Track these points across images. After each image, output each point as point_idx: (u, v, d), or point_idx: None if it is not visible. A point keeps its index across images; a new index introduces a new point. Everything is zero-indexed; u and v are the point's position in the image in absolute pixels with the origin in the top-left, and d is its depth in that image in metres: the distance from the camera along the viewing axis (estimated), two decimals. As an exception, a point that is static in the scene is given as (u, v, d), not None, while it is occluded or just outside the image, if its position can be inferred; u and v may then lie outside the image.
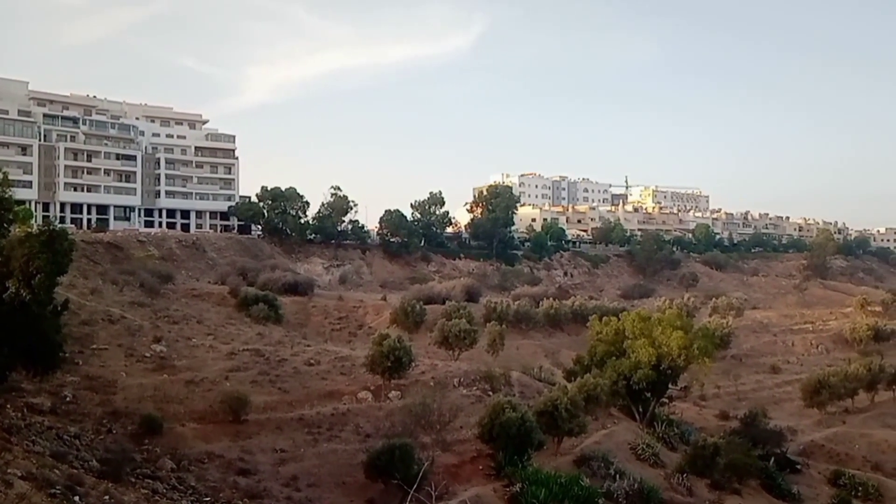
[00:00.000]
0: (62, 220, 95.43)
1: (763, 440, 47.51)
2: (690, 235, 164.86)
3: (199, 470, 26.67)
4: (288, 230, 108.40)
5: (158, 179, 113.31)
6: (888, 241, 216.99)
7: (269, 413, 34.00)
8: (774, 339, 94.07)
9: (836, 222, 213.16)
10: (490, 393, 39.51)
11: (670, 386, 48.04)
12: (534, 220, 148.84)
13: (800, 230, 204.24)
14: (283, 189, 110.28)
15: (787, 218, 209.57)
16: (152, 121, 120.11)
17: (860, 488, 43.35)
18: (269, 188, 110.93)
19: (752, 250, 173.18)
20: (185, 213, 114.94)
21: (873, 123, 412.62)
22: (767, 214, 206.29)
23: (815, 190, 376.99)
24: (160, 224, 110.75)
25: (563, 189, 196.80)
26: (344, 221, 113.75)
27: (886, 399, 68.14)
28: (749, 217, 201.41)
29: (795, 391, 67.71)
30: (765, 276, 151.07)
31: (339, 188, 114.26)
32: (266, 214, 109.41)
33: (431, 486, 26.17)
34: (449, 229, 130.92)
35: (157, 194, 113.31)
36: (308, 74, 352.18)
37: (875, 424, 61.48)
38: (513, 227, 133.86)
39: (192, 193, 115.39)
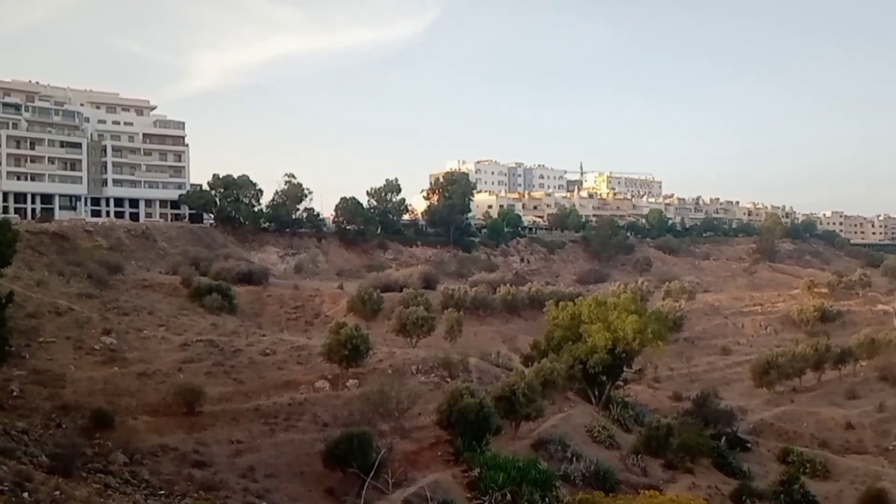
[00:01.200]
0: (5, 210, 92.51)
1: (714, 420, 48.70)
2: (644, 221, 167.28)
3: (153, 463, 26.19)
4: (241, 218, 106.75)
5: (105, 167, 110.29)
6: (834, 224, 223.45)
7: (225, 404, 33.56)
8: (725, 322, 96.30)
9: (784, 206, 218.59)
10: (448, 379, 39.63)
11: (625, 369, 48.79)
12: (490, 206, 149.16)
13: (749, 215, 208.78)
14: (235, 177, 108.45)
15: (737, 203, 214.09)
16: (98, 107, 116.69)
17: (808, 465, 44.71)
18: (220, 176, 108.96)
19: (704, 235, 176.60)
20: (134, 202, 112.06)
21: (822, 108, 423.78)
22: (718, 199, 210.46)
23: (763, 174, 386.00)
24: (108, 213, 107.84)
25: (519, 175, 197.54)
26: (299, 209, 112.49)
27: (832, 378, 70.38)
28: (700, 202, 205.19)
29: (745, 372, 69.55)
30: (716, 260, 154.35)
31: (293, 175, 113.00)
32: (218, 203, 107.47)
33: (388, 474, 26.20)
34: (405, 216, 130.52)
35: (104, 183, 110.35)
36: (259, 60, 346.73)
37: (822, 403, 63.51)
38: (469, 214, 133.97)
39: (140, 181, 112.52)
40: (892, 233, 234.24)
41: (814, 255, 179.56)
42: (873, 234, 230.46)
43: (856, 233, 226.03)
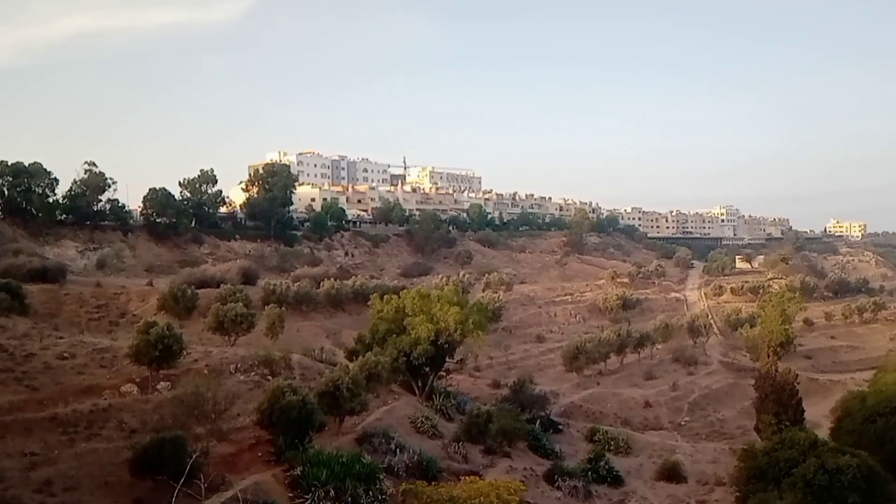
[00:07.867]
0: None
1: (530, 405, 51.28)
2: (465, 215, 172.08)
3: (-73, 485, 23.09)
4: (33, 210, 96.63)
5: None
6: (633, 219, 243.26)
7: (16, 414, 30.27)
8: (539, 311, 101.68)
9: (591, 202, 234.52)
10: (269, 377, 38.45)
11: (447, 359, 49.93)
12: (313, 199, 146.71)
13: (560, 210, 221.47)
14: (26, 164, 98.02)
15: (550, 198, 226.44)
16: None
17: (612, 443, 48.44)
18: (9, 163, 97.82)
19: (520, 228, 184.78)
20: None
21: (620, 115, 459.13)
22: (533, 195, 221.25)
23: (571, 172, 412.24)
24: None
25: (343, 169, 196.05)
26: (101, 200, 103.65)
27: (633, 361, 76.68)
28: (517, 197, 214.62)
29: (557, 358, 73.92)
30: (531, 253, 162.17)
31: (94, 164, 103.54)
32: (6, 193, 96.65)
33: (202, 479, 24.93)
34: (223, 209, 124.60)
35: None
36: (56, 37, 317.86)
37: (624, 384, 69.02)
38: (291, 207, 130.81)
39: None
40: (683, 227, 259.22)
41: (616, 247, 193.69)
42: (667, 228, 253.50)
43: (652, 227, 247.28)
